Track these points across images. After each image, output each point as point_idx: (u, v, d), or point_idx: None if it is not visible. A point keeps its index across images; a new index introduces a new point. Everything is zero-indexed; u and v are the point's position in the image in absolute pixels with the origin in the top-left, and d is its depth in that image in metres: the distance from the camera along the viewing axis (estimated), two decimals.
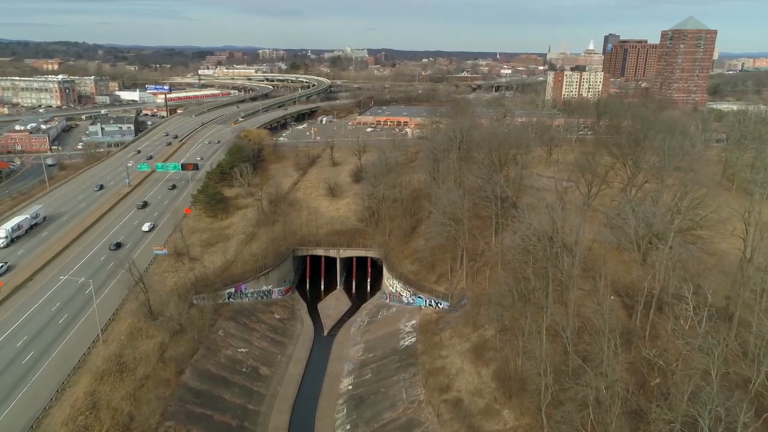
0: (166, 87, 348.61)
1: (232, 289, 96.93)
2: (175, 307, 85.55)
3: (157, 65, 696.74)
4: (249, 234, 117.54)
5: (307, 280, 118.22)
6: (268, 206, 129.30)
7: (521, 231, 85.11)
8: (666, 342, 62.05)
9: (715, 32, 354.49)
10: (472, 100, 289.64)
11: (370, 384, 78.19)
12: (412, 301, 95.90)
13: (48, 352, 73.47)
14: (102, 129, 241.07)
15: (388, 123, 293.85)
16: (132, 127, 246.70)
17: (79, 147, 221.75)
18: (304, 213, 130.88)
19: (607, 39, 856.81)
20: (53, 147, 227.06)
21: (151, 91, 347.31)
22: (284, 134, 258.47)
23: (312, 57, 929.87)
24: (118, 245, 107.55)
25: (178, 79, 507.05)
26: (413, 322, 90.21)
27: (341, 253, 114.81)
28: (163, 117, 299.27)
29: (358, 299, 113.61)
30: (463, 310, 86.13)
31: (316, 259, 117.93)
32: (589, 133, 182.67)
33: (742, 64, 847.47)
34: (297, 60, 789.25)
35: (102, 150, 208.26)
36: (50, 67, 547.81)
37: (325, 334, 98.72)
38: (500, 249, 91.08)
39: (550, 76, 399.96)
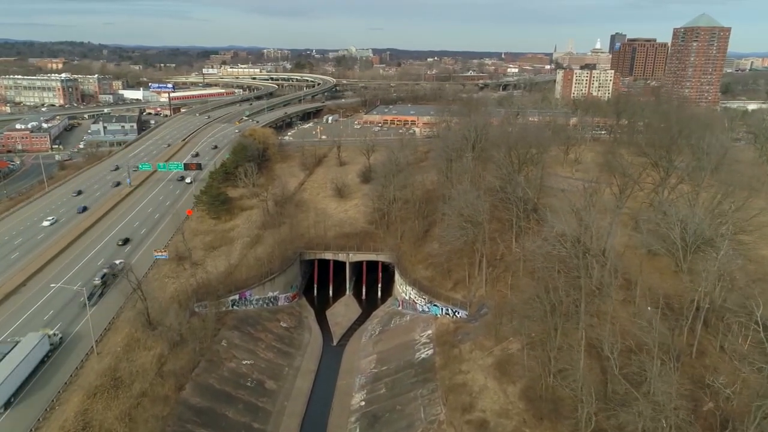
0: (170, 85, 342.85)
1: (236, 296, 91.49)
2: (175, 316, 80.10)
3: (162, 65, 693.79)
4: (254, 236, 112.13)
5: (315, 286, 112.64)
6: (274, 207, 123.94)
7: (546, 235, 79.51)
8: (716, 360, 56.13)
9: (728, 30, 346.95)
10: (480, 99, 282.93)
11: (384, 400, 72.50)
12: (427, 309, 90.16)
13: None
14: (104, 128, 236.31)
15: (395, 122, 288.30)
16: (135, 126, 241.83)
17: (81, 146, 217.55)
18: (311, 214, 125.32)
19: (613, 38, 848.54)
20: (54, 146, 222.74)
21: (154, 90, 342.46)
22: (289, 133, 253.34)
23: (316, 57, 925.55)
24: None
25: (182, 79, 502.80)
26: (429, 332, 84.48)
27: (351, 257, 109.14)
28: (166, 116, 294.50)
29: (369, 306, 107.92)
30: (483, 321, 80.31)
31: (324, 263, 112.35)
32: (602, 132, 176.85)
33: (751, 63, 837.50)
34: (301, 59, 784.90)
35: (103, 149, 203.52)
36: (54, 66, 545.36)
37: (335, 343, 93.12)
38: (522, 254, 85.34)
39: (560, 75, 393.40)
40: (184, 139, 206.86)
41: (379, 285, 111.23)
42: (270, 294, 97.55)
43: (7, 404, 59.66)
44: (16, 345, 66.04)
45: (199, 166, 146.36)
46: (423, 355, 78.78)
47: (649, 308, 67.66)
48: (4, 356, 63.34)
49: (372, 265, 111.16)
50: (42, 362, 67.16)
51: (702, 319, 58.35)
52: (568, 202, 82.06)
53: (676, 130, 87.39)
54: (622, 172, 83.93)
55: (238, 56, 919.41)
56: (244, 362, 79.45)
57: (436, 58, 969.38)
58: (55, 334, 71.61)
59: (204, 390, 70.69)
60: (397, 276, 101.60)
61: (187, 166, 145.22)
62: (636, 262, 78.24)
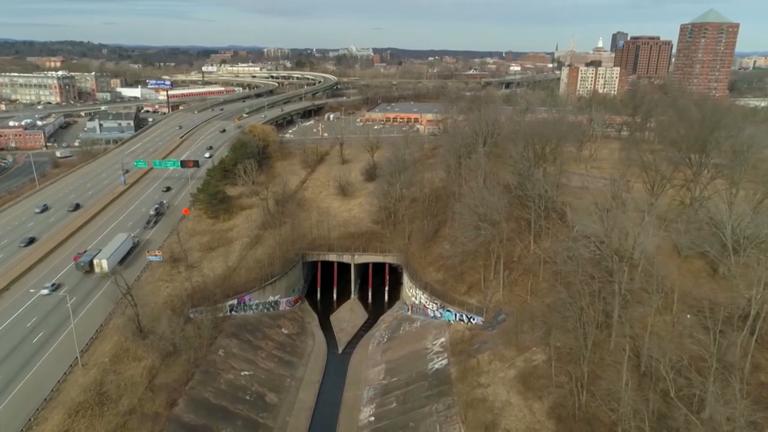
0: (168, 82, 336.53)
1: (235, 301, 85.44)
2: (168, 323, 74.05)
3: (161, 64, 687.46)
4: (254, 237, 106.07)
5: (318, 289, 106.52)
6: (275, 206, 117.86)
7: (572, 236, 73.48)
8: None
9: (737, 25, 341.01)
10: (486, 95, 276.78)
11: (395, 416, 66.42)
12: (439, 315, 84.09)
13: (16, 379, 62.18)
14: (100, 125, 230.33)
15: (398, 120, 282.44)
16: (132, 123, 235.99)
17: (76, 144, 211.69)
18: (313, 214, 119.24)
19: (615, 37, 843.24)
20: (49, 144, 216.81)
21: (152, 86, 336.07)
22: (290, 131, 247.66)
23: (317, 56, 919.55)
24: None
25: (182, 77, 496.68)
26: (442, 339, 78.39)
27: (356, 258, 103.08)
28: (164, 114, 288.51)
29: (375, 310, 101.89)
30: (501, 328, 74.23)
31: (327, 265, 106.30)
32: (618, 129, 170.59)
33: (754, 62, 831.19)
34: (302, 58, 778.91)
35: (99, 147, 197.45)
36: (52, 64, 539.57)
37: (340, 351, 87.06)
38: (542, 256, 79.31)
39: (565, 72, 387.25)
40: (181, 137, 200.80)
41: (386, 288, 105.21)
42: (271, 298, 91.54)
43: (121, 262, 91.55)
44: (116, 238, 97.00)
45: (196, 164, 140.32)
46: (437, 366, 72.71)
47: (688, 316, 61.68)
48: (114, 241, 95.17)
49: (378, 267, 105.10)
50: (129, 252, 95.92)
51: (755, 330, 52.20)
52: (593, 200, 76.05)
53: (711, 122, 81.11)
54: (654, 168, 77.55)
55: (238, 55, 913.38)
56: (243, 373, 73.41)
57: (436, 57, 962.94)
58: (134, 237, 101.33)
59: (198, 405, 64.63)
60: (405, 279, 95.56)
61: (184, 164, 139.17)
62: (668, 265, 72.15)
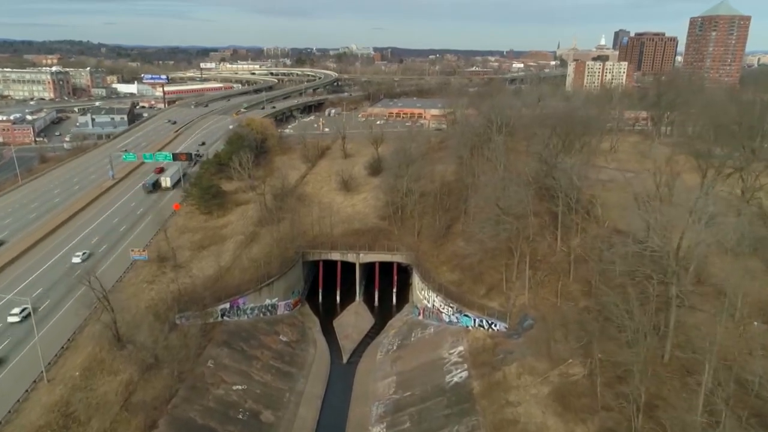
0: (164, 77, 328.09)
1: (227, 305, 76.58)
2: (150, 331, 65.31)
3: (160, 62, 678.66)
4: (249, 234, 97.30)
5: (320, 291, 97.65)
6: (273, 201, 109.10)
7: (600, 231, 64.88)
8: None
9: (749, 18, 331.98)
10: (492, 88, 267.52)
11: None
12: (455, 320, 75.27)
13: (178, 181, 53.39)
14: (92, 120, 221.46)
15: (401, 115, 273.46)
16: (125, 118, 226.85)
17: (67, 139, 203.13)
18: (314, 209, 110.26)
19: (618, 35, 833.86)
20: (38, 139, 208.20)
21: (147, 81, 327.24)
22: (290, 126, 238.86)
23: (317, 54, 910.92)
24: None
25: (180, 74, 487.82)
26: (460, 348, 69.56)
27: (361, 257, 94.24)
28: (160, 109, 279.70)
29: (382, 314, 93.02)
30: (528, 335, 65.47)
31: (330, 264, 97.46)
32: (640, 123, 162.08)
33: (758, 59, 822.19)
34: (302, 56, 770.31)
35: (90, 142, 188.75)
36: (49, 62, 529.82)
37: (344, 361, 78.22)
38: (572, 255, 70.57)
39: (571, 67, 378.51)
40: (176, 131, 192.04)
41: (395, 290, 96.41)
42: (267, 301, 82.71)
43: (174, 185, 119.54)
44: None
45: (189, 157, 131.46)
46: (456, 379, 63.88)
47: (755, 323, 52.90)
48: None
49: (386, 266, 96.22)
50: (178, 181, 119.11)
51: None
52: (630, 192, 67.33)
53: (760, 109, 72.56)
54: (707, 156, 68.57)
55: (238, 54, 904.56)
56: (235, 387, 64.57)
57: (437, 55, 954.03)
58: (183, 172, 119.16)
59: (182, 427, 55.83)
60: (416, 280, 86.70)
61: (176, 157, 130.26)
62: (716, 263, 63.40)
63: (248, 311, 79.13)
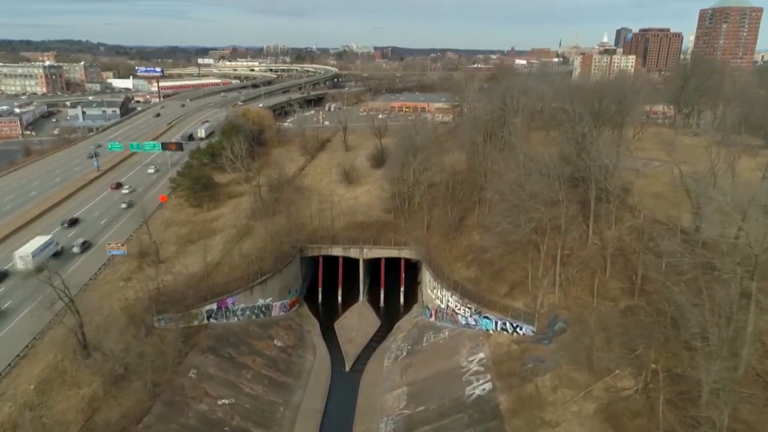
0: (158, 69, 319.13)
1: (214, 305, 67.54)
2: (122, 336, 56.50)
3: (158, 60, 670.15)
4: (242, 228, 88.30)
5: (320, 290, 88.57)
6: (269, 193, 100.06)
7: (638, 222, 56.01)
8: None
9: (761, 10, 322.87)
10: (503, 70, 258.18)
11: None
12: (473, 323, 66.22)
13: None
14: (83, 113, 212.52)
15: (404, 109, 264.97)
16: (118, 111, 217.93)
17: (56, 132, 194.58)
18: (314, 201, 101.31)
19: (620, 33, 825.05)
20: (26, 132, 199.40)
21: (141, 74, 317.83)
22: (289, 120, 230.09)
23: (317, 53, 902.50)
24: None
25: (177, 71, 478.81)
26: (481, 355, 60.53)
27: (366, 252, 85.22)
28: (156, 104, 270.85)
29: (389, 316, 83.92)
30: (560, 340, 56.46)
31: (331, 261, 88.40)
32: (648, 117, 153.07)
33: (762, 57, 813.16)
34: (302, 54, 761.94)
35: (78, 134, 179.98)
36: (45, 59, 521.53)
37: (347, 369, 69.12)
38: (609, 248, 61.56)
39: (578, 60, 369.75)
40: (169, 123, 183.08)
41: (402, 288, 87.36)
42: (261, 302, 73.66)
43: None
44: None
45: (180, 147, 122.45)
46: (477, 391, 54.80)
47: None
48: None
49: (392, 263, 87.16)
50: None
51: None
52: (663, 181, 58.40)
53: None
54: (745, 142, 59.60)
55: (237, 52, 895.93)
56: (221, 402, 55.55)
57: (438, 53, 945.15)
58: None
59: None
60: (427, 277, 77.59)
61: (165, 146, 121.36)
62: None
63: (238, 313, 70.08)
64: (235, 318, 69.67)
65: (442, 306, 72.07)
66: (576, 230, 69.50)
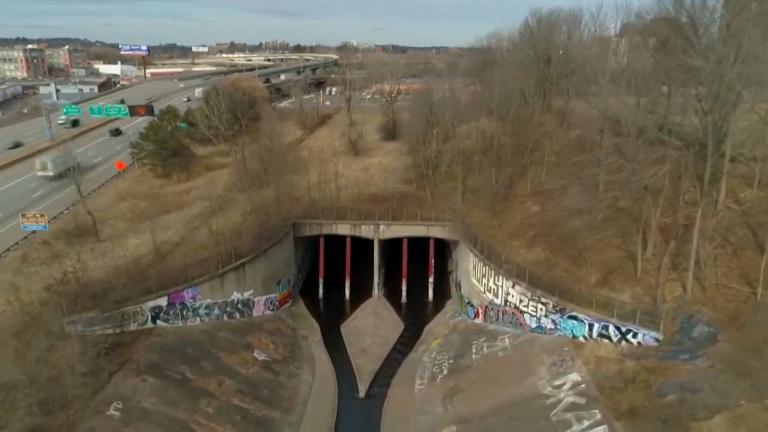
0: (144, 47, 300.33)
1: (163, 301, 45.79)
2: (8, 349, 35.01)
3: (155, 55, 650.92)
4: (217, 200, 66.96)
5: (320, 281, 66.48)
6: (257, 164, 78.62)
7: None
8: None
9: None
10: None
11: None
12: (551, 326, 44.62)
13: None
14: (57, 91, 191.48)
15: (411, 92, 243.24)
16: (96, 89, 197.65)
17: (25, 111, 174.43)
18: (312, 172, 79.17)
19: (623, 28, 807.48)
20: None
21: (125, 52, 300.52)
22: (287, 102, 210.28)
23: (317, 47, 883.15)
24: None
25: (171, 62, 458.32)
26: (574, 376, 38.86)
27: (382, 231, 63.46)
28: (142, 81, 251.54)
29: (413, 316, 62.03)
30: (713, 354, 34.85)
31: (335, 241, 66.17)
32: None
33: None
34: (302, 46, 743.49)
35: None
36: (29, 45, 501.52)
37: (362, 394, 47.24)
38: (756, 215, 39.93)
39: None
40: (149, 98, 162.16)
41: (431, 279, 65.54)
42: (236, 296, 51.90)
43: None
44: None
45: (150, 111, 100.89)
46: None
47: None
48: None
49: (417, 245, 65.35)
50: None
51: None
52: None
53: None
54: None
55: (236, 46, 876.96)
56: None
57: (440, 50, 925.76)
58: None
59: None
60: (471, 262, 55.72)
61: (134, 111, 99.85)
62: None
63: (201, 312, 48.29)
64: (197, 319, 47.92)
65: (497, 301, 50.38)
66: (687, 193, 47.87)
